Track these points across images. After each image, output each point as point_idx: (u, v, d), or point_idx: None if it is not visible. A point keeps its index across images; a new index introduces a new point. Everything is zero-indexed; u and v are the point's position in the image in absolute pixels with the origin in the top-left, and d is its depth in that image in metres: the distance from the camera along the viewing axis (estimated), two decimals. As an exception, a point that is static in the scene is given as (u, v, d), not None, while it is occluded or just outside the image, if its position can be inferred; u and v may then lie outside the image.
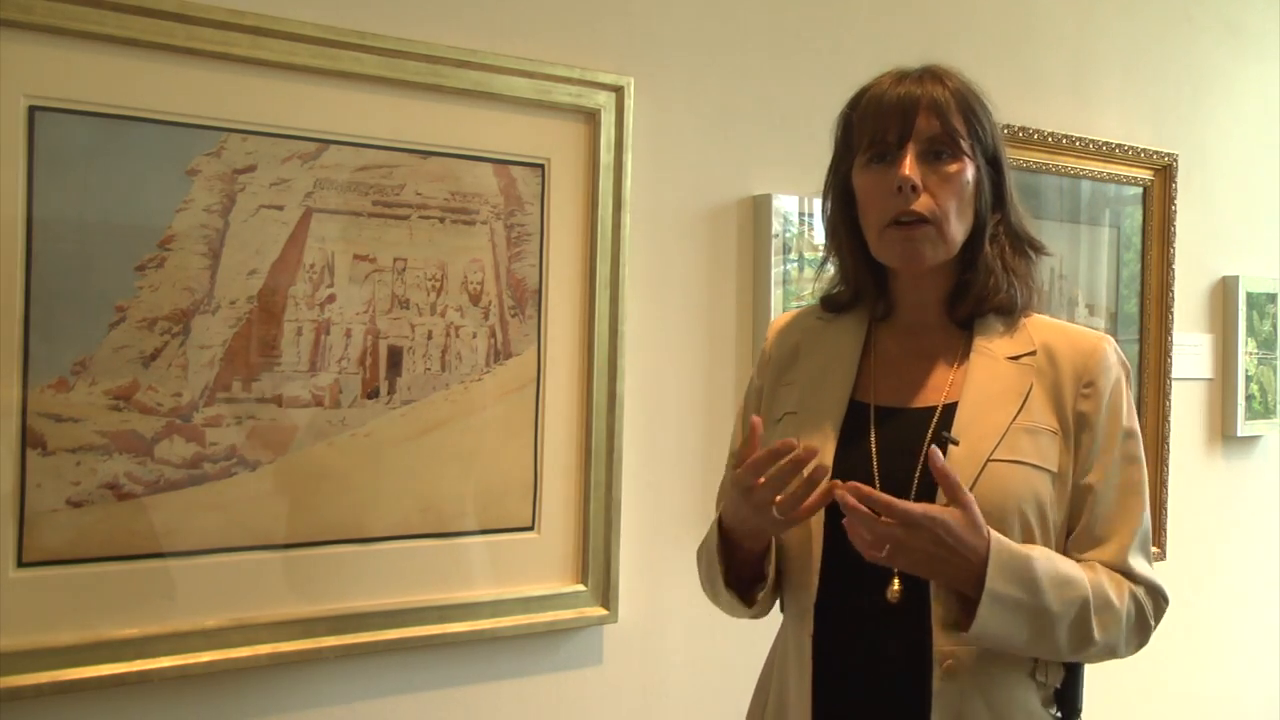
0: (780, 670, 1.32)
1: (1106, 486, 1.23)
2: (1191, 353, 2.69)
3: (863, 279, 1.31)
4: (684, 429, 1.94)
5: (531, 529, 1.78)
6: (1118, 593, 1.20)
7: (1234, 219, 2.80)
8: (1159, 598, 1.24)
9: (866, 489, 1.12)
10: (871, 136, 1.24)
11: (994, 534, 1.15)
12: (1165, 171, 2.58)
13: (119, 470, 1.45)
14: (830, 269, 1.36)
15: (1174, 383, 2.60)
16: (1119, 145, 2.49)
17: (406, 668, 1.68)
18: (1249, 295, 2.78)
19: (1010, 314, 1.28)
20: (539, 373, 1.77)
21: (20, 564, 1.40)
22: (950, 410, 1.23)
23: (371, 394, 1.64)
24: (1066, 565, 1.19)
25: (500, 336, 1.74)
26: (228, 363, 1.53)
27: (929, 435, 1.22)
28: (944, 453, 1.17)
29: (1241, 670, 2.86)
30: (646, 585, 1.89)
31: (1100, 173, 2.48)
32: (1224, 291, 2.78)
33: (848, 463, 1.23)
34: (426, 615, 1.67)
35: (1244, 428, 2.77)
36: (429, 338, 1.68)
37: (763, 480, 1.14)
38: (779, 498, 1.14)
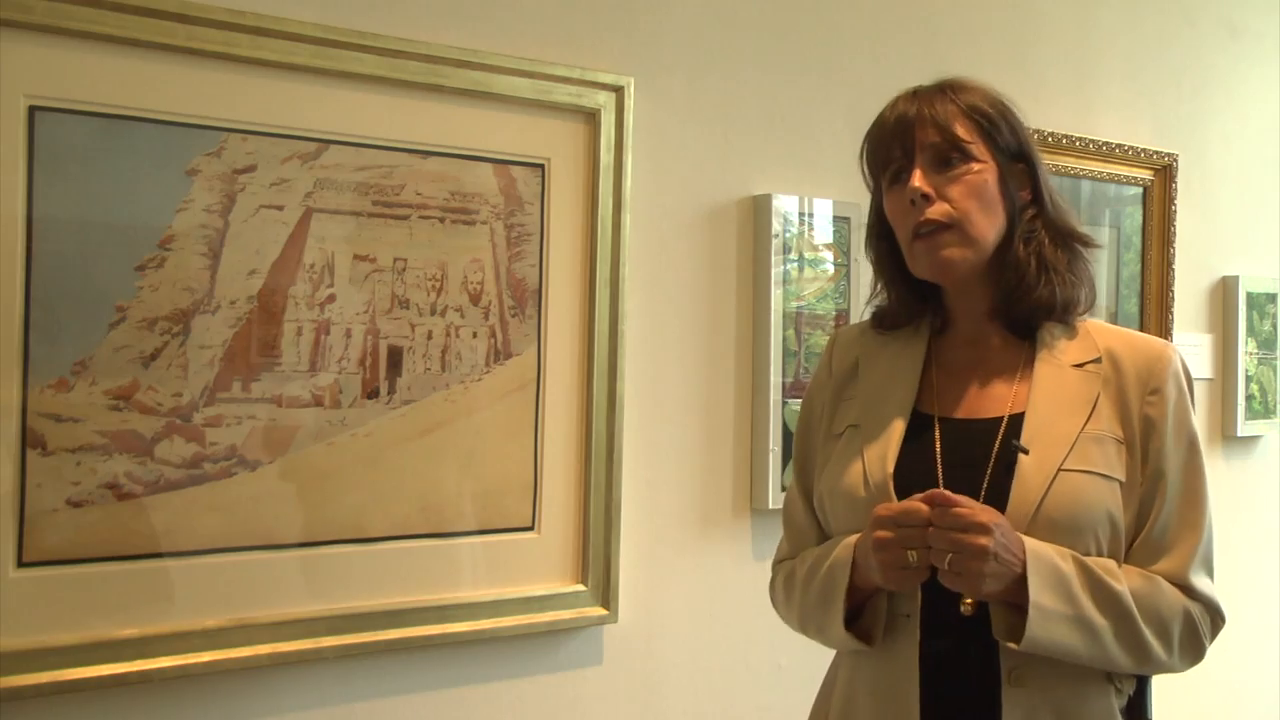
0: (846, 678, 1.29)
1: (1170, 497, 1.22)
2: (1191, 353, 2.69)
3: (908, 300, 1.32)
4: (684, 429, 1.93)
5: (531, 529, 1.78)
6: (1170, 608, 1.19)
7: (1234, 219, 2.80)
8: (1216, 616, 1.23)
9: (942, 494, 1.14)
10: (883, 162, 1.27)
11: (1029, 543, 1.14)
12: (1165, 171, 2.58)
13: (119, 470, 1.45)
14: (880, 299, 1.36)
15: (1174, 383, 2.60)
16: (1119, 145, 2.49)
17: (406, 668, 1.68)
18: (1249, 295, 2.78)
19: (1054, 311, 1.25)
20: (539, 373, 1.77)
21: (20, 564, 1.40)
22: (1017, 420, 1.22)
23: (371, 394, 1.64)
24: (1106, 577, 1.17)
25: (500, 336, 1.74)
26: (228, 363, 1.53)
27: (996, 446, 1.21)
28: (1014, 462, 1.18)
29: (1241, 670, 2.86)
30: (646, 585, 1.89)
31: (1100, 173, 2.48)
32: (1224, 291, 2.77)
33: (911, 475, 1.23)
34: (426, 615, 1.67)
35: (1244, 428, 2.77)
36: (429, 338, 1.68)
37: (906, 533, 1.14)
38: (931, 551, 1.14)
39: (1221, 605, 1.24)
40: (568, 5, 1.81)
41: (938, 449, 1.23)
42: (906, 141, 1.24)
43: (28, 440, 1.40)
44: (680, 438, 1.93)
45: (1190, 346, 2.69)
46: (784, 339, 1.99)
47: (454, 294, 1.70)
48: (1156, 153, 2.56)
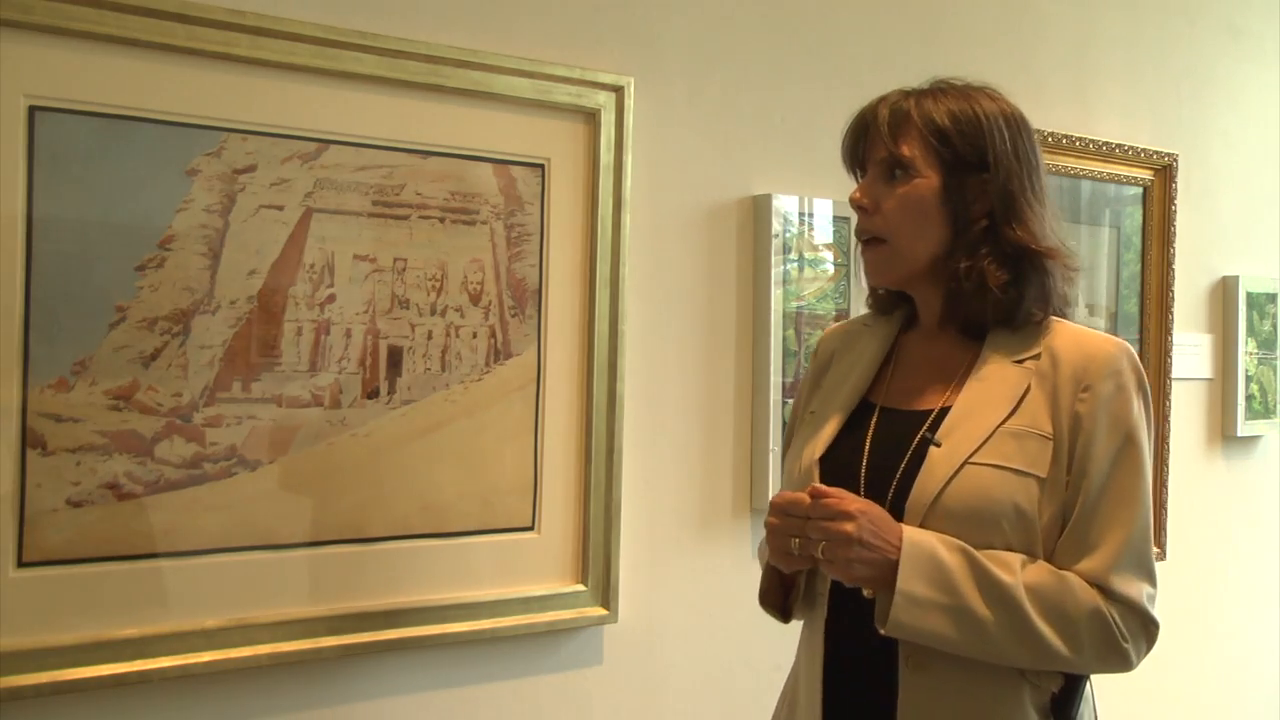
0: (796, 665, 1.37)
1: (1094, 495, 1.20)
2: (1191, 353, 2.69)
3: (891, 294, 1.39)
4: (684, 429, 1.93)
5: (531, 529, 1.77)
6: (1077, 604, 1.17)
7: (1234, 219, 2.80)
8: (1145, 621, 1.20)
9: (817, 487, 1.19)
10: (848, 162, 1.35)
11: (909, 534, 1.17)
12: (1165, 171, 2.58)
13: (119, 470, 1.45)
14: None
15: (1174, 383, 2.60)
16: (1119, 145, 2.48)
17: (407, 668, 1.68)
18: (1249, 295, 2.78)
19: (1008, 321, 1.27)
20: (539, 373, 1.77)
21: (20, 564, 1.40)
22: (945, 413, 1.27)
23: (372, 394, 1.63)
24: (996, 570, 1.17)
25: (500, 336, 1.74)
26: (228, 363, 1.53)
27: (918, 437, 1.26)
28: (925, 453, 1.23)
29: (1242, 670, 2.86)
30: (646, 585, 1.89)
31: (1100, 173, 2.48)
32: (1224, 291, 2.77)
33: (839, 460, 1.29)
34: (426, 615, 1.67)
35: (1244, 428, 2.77)
36: (429, 338, 1.68)
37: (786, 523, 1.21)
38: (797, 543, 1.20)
39: (1151, 609, 1.20)
40: (568, 5, 1.81)
41: (869, 437, 1.29)
42: (859, 149, 1.32)
43: (28, 440, 1.40)
44: (680, 438, 1.93)
45: (1190, 346, 2.69)
46: (784, 339, 1.99)
47: (454, 294, 1.70)
48: (1157, 153, 2.56)
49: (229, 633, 1.52)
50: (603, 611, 1.82)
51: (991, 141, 1.26)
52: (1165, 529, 2.59)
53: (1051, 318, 1.29)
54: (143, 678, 1.46)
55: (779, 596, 1.36)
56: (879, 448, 1.27)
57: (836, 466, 1.28)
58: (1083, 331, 1.28)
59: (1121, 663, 1.21)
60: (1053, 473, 1.21)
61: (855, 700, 1.26)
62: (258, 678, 1.56)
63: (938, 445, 1.22)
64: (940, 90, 1.30)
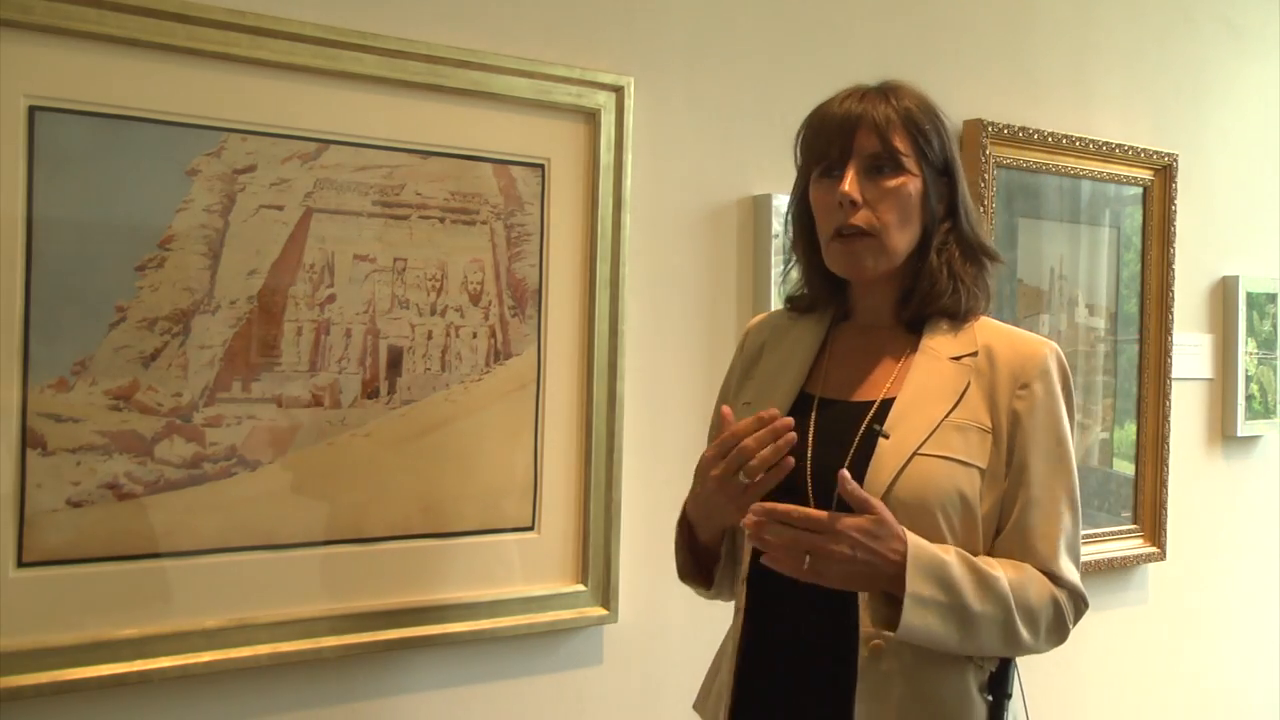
0: (722, 647, 1.39)
1: (1037, 490, 1.27)
2: (1191, 353, 2.69)
3: (820, 285, 1.39)
4: (684, 428, 1.93)
5: (531, 529, 1.77)
6: (1039, 595, 1.25)
7: (1234, 219, 2.80)
8: (1080, 601, 1.30)
9: (782, 508, 1.17)
10: (819, 153, 1.32)
11: (912, 538, 1.19)
12: (1165, 171, 2.57)
13: (119, 470, 1.45)
14: (794, 273, 1.43)
15: (1174, 383, 2.60)
16: (1119, 145, 2.48)
17: (407, 668, 1.68)
18: (1249, 295, 2.77)
19: (955, 316, 1.33)
20: (539, 373, 1.77)
21: (20, 564, 1.40)
22: (887, 405, 1.29)
23: (371, 394, 1.63)
24: (986, 567, 1.22)
25: (500, 336, 1.74)
26: (228, 363, 1.53)
27: (863, 427, 1.28)
28: (875, 445, 1.24)
29: (1242, 670, 2.86)
30: (647, 585, 1.88)
31: (1100, 173, 2.47)
32: (1224, 291, 2.77)
33: None
34: (426, 615, 1.67)
35: (1244, 428, 2.77)
36: (429, 338, 1.68)
37: (735, 452, 1.20)
38: (752, 463, 1.19)
39: (1085, 591, 1.30)
40: (568, 5, 1.81)
41: (811, 428, 1.29)
42: (845, 142, 1.29)
43: (28, 440, 1.40)
44: (680, 437, 1.93)
45: (1190, 346, 2.69)
46: (784, 339, 1.99)
47: (454, 294, 1.70)
48: (1156, 153, 2.55)
49: (229, 633, 1.52)
50: (603, 611, 1.82)
51: (951, 143, 1.34)
52: (1165, 529, 2.58)
53: (981, 316, 1.35)
54: (143, 678, 1.46)
55: (701, 568, 1.39)
56: (822, 439, 1.29)
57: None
58: (1013, 331, 1.35)
59: (1062, 641, 1.30)
60: (993, 464, 1.27)
61: (788, 693, 1.28)
62: (258, 678, 1.56)
63: (886, 437, 1.24)
64: (904, 89, 1.32)
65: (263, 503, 1.55)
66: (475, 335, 1.72)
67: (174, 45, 1.47)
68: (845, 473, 1.18)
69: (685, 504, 1.37)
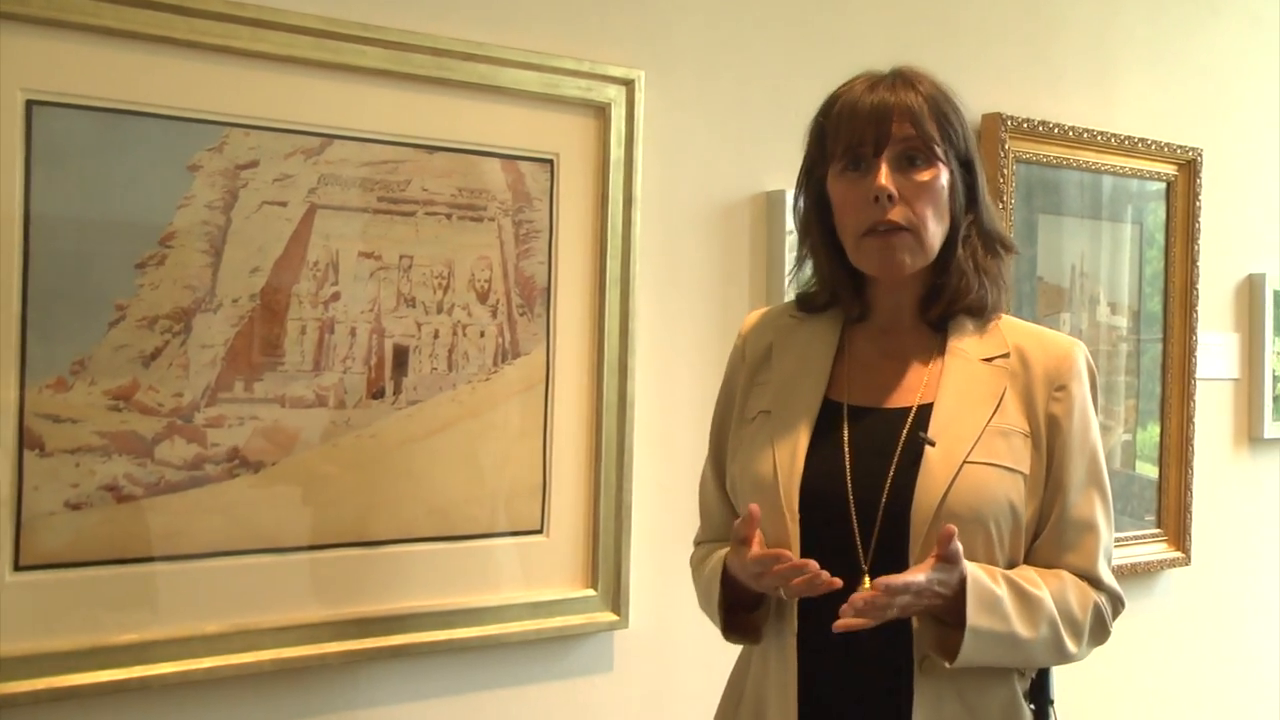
0: (759, 667, 1.32)
1: (1075, 494, 1.26)
2: (1217, 352, 2.65)
3: (840, 283, 1.33)
4: (696, 429, 1.89)
5: (540, 532, 1.75)
6: (1080, 603, 1.25)
7: (1261, 215, 2.76)
8: (1118, 603, 1.30)
9: (893, 587, 1.14)
10: (846, 144, 1.26)
11: (969, 569, 1.17)
12: (1190, 166, 2.53)
13: (118, 472, 1.43)
14: (806, 269, 1.37)
15: (1199, 383, 2.56)
16: (1142, 139, 2.44)
17: (413, 674, 1.66)
18: (1276, 293, 2.73)
19: (981, 314, 1.30)
20: (548, 372, 1.75)
21: (17, 568, 1.38)
22: (925, 411, 1.25)
23: (377, 394, 1.61)
24: (1030, 588, 1.22)
25: (508, 335, 1.72)
26: (230, 362, 1.51)
27: (904, 435, 1.24)
28: (921, 453, 1.21)
29: (1268, 675, 2.81)
30: (658, 590, 1.86)
31: (1122, 168, 2.43)
32: (1250, 289, 2.73)
33: (821, 463, 1.25)
34: (433, 620, 1.64)
35: (1271, 429, 2.72)
36: (435, 337, 1.66)
37: (772, 575, 1.18)
38: (795, 583, 1.16)
39: (1123, 593, 1.31)
40: (577, -3, 1.78)
41: (846, 439, 1.25)
42: (880, 133, 1.23)
43: (25, 441, 1.38)
44: (692, 438, 1.89)
45: (1215, 346, 2.65)
46: (799, 338, 1.96)
47: (461, 292, 1.68)
48: (1180, 147, 2.51)
49: (230, 638, 1.50)
50: (613, 617, 1.79)
51: (970, 133, 1.31)
52: (1190, 533, 2.55)
53: (1002, 313, 1.33)
54: (142, 684, 1.44)
55: (749, 621, 1.32)
56: (861, 448, 1.25)
57: (818, 471, 1.24)
58: (1041, 330, 1.34)
59: (1104, 642, 1.30)
60: (1034, 469, 1.25)
61: (841, 708, 1.25)
62: (260, 684, 1.54)
63: (933, 445, 1.21)
64: (921, 75, 1.28)
65: (265, 505, 1.53)
66: (483, 334, 1.69)
67: (174, 38, 1.45)
68: (952, 528, 1.15)
69: (726, 561, 1.29)
